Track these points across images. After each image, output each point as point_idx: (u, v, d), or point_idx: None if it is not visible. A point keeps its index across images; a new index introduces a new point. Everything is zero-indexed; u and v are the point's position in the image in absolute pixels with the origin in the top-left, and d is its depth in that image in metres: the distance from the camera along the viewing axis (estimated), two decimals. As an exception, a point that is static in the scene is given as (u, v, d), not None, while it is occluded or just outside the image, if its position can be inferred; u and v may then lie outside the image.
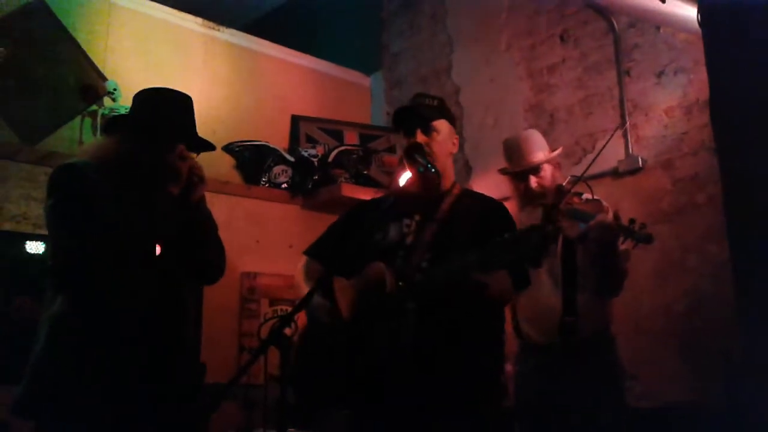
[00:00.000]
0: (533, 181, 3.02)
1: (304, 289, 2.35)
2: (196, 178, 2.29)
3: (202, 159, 2.47)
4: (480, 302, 2.17)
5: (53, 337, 2.13)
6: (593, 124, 4.35)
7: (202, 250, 2.38)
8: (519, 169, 3.06)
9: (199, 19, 5.19)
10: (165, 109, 2.36)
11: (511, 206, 3.06)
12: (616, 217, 2.69)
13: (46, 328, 2.16)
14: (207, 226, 2.41)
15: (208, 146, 2.44)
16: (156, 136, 2.27)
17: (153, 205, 2.19)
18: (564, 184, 3.04)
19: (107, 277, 2.15)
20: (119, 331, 2.14)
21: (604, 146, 3.18)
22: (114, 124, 2.41)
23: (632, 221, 2.64)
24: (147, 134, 2.26)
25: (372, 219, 2.38)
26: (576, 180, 2.96)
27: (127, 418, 2.11)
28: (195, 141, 2.38)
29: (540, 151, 3.08)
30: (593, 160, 3.05)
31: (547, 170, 3.05)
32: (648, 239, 2.61)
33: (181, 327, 2.34)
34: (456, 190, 2.43)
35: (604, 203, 2.92)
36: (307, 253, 2.53)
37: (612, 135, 3.34)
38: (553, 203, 2.75)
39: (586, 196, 2.94)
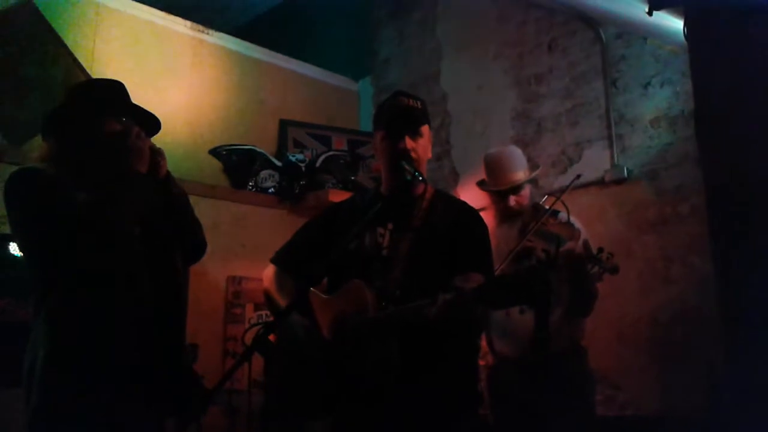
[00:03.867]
0: (512, 200, 3.06)
1: (278, 301, 2.29)
2: (158, 156, 2.25)
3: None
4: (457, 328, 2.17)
5: (53, 344, 2.02)
6: (580, 133, 4.38)
7: (185, 226, 2.32)
8: (500, 188, 3.08)
9: (188, 22, 5.17)
10: (93, 89, 2.31)
11: (488, 218, 3.08)
12: (586, 246, 2.79)
13: (44, 337, 2.04)
14: (184, 201, 2.34)
15: (153, 119, 2.32)
16: (94, 112, 2.18)
17: (130, 184, 2.14)
18: (541, 202, 3.08)
19: (98, 270, 2.05)
20: (119, 332, 2.05)
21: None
22: (49, 122, 2.25)
23: (600, 250, 2.72)
24: (86, 115, 2.18)
25: (346, 226, 2.25)
26: (555, 200, 2.99)
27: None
28: (138, 116, 2.27)
29: (520, 170, 3.11)
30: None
31: (526, 189, 3.09)
32: (614, 270, 2.69)
33: (180, 319, 2.30)
34: (428, 194, 2.35)
35: (576, 226, 2.93)
36: (275, 262, 2.42)
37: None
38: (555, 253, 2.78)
39: (563, 214, 2.96)
